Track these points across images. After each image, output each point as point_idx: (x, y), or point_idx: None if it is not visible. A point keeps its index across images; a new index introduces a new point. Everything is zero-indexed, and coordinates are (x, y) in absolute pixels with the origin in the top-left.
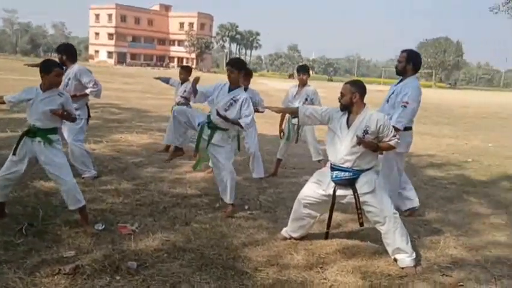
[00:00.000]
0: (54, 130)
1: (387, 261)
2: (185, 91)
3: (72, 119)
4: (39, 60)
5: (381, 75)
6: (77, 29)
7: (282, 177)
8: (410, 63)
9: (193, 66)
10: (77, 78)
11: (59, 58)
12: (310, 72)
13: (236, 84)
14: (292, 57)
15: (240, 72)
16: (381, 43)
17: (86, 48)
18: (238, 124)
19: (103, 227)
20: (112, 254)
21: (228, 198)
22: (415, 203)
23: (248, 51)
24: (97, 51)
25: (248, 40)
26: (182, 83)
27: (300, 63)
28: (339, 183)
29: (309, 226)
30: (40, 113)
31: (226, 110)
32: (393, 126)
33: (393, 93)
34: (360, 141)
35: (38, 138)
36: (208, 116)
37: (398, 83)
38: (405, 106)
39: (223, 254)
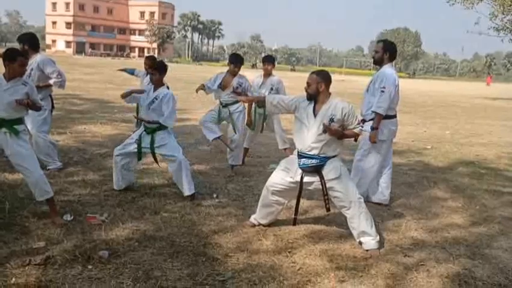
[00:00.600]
0: (20, 120)
1: (352, 245)
2: (148, 83)
3: (37, 107)
4: None
5: (343, 65)
6: (32, 18)
7: (248, 165)
8: (386, 52)
9: (155, 55)
10: (40, 68)
11: (21, 48)
12: None
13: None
14: (255, 47)
15: None
16: (342, 33)
17: (43, 37)
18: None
19: (72, 217)
20: (83, 244)
21: (187, 190)
22: (385, 201)
23: (210, 41)
24: (54, 41)
25: (210, 30)
26: (147, 74)
27: (264, 54)
28: (306, 170)
29: (277, 213)
30: (5, 103)
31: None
32: (375, 112)
33: (371, 82)
34: (326, 129)
35: (3, 129)
36: (141, 123)
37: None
38: (383, 91)
39: (194, 241)
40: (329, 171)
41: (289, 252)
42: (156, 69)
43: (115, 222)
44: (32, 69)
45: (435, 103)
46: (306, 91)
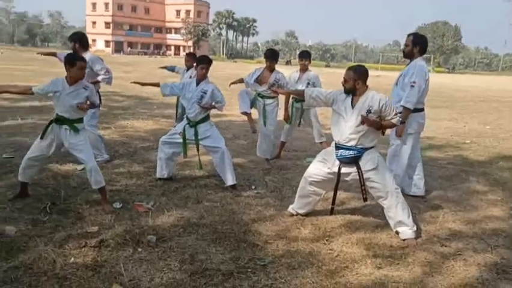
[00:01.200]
0: (81, 119)
1: (389, 234)
2: (190, 77)
3: (94, 106)
4: (40, 50)
5: (379, 61)
6: (73, 19)
7: (285, 159)
8: (416, 46)
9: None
10: (90, 65)
11: (73, 46)
12: None
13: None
14: (289, 44)
15: None
16: (378, 29)
17: None
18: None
19: (121, 205)
20: (132, 229)
21: (230, 179)
22: (420, 193)
23: (245, 38)
24: (94, 40)
25: (245, 27)
26: (188, 69)
27: (299, 50)
28: (344, 161)
29: (314, 203)
30: (68, 106)
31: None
32: (403, 107)
33: (401, 75)
34: (364, 120)
35: (65, 126)
36: (186, 117)
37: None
38: (413, 86)
39: (235, 228)
40: (366, 162)
41: (326, 240)
42: (204, 63)
43: (161, 210)
44: None
45: (474, 98)
46: (343, 86)
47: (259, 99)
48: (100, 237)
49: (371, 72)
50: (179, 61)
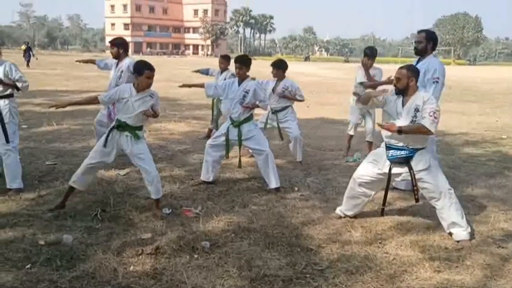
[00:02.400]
0: (141, 127)
1: (441, 236)
2: (225, 79)
3: (156, 116)
4: (78, 58)
5: (398, 55)
6: (92, 21)
7: (323, 159)
8: (430, 42)
9: (209, 52)
10: (130, 70)
11: (116, 51)
12: (325, 54)
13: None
14: (307, 40)
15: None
16: (395, 22)
17: (102, 39)
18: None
19: (170, 211)
20: (185, 235)
21: (274, 182)
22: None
23: (262, 36)
24: None
25: (262, 24)
26: (222, 72)
27: (317, 46)
28: (395, 161)
29: (363, 205)
30: (133, 113)
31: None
32: None
33: None
34: (401, 130)
35: (126, 133)
36: (229, 117)
37: (417, 62)
38: (436, 82)
39: (286, 232)
40: (417, 163)
41: (380, 243)
42: (242, 63)
43: (209, 215)
44: (122, 71)
45: (502, 91)
46: (395, 86)
47: (271, 115)
48: (155, 244)
49: (392, 66)
50: (198, 60)
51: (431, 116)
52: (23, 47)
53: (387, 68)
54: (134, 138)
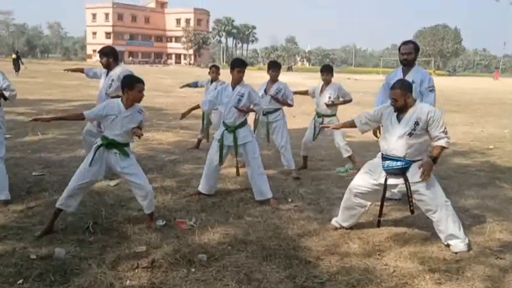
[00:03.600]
0: (128, 144)
1: (439, 247)
2: (215, 89)
3: (141, 134)
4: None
5: (378, 65)
6: (72, 29)
7: (314, 169)
8: (417, 53)
9: (191, 62)
10: (121, 79)
11: (106, 61)
12: (307, 64)
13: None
14: (289, 50)
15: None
16: (376, 33)
17: (82, 48)
18: None
19: (164, 222)
20: (181, 248)
21: (267, 193)
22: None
23: (244, 45)
24: (94, 51)
25: (244, 34)
26: (212, 81)
27: (298, 56)
28: (391, 172)
29: (359, 215)
30: (122, 130)
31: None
32: None
33: (389, 80)
34: (425, 178)
35: (114, 150)
36: (223, 122)
37: (403, 72)
38: (432, 90)
39: (283, 244)
40: (414, 174)
41: (378, 254)
42: (239, 66)
43: (204, 227)
44: (112, 80)
45: (483, 101)
46: (394, 106)
47: (262, 116)
48: (150, 257)
49: (374, 77)
50: (180, 70)
51: (445, 133)
52: (14, 56)
53: (369, 78)
54: (124, 156)
